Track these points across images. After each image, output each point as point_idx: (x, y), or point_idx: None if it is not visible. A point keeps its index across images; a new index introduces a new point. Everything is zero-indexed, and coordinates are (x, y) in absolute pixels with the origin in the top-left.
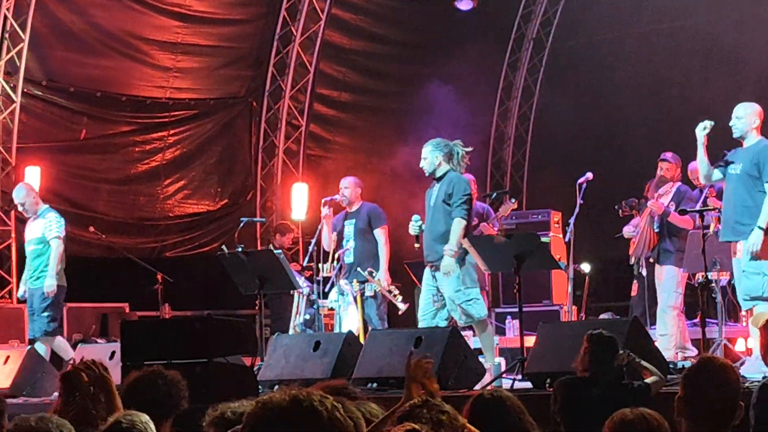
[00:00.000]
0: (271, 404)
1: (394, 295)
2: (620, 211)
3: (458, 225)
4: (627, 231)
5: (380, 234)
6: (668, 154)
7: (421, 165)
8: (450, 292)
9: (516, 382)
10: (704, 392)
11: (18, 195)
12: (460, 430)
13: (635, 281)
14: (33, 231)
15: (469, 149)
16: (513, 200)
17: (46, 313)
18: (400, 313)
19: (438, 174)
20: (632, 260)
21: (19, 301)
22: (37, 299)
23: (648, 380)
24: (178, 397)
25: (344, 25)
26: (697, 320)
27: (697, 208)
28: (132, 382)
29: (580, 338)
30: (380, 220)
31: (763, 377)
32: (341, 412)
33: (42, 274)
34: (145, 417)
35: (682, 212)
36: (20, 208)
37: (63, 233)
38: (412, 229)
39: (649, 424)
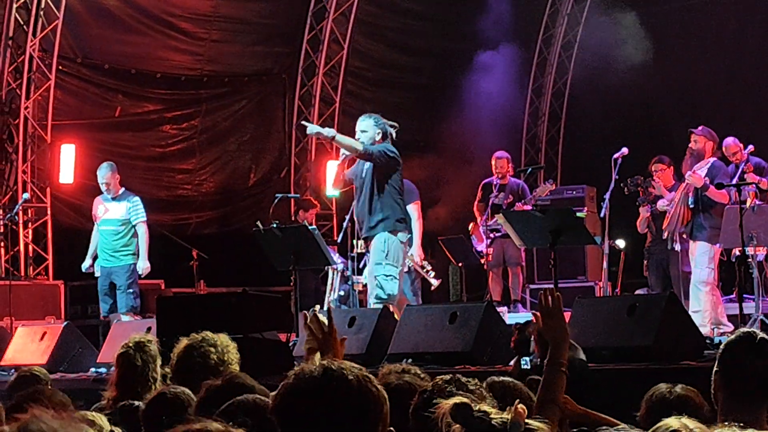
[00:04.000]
0: (303, 375)
1: (427, 271)
2: (626, 189)
3: (358, 145)
4: (661, 204)
5: (413, 209)
6: (699, 128)
7: (357, 136)
8: (372, 265)
9: None
10: (743, 366)
11: (104, 174)
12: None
13: (645, 260)
14: (114, 211)
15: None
16: (550, 181)
17: (131, 290)
18: (432, 288)
19: None
20: (665, 235)
21: (86, 274)
22: (122, 277)
23: None
24: (230, 363)
25: (378, 0)
26: (733, 296)
27: (734, 182)
28: (183, 349)
29: (616, 313)
30: (413, 195)
31: None
32: (373, 383)
33: (123, 255)
34: (188, 391)
35: (720, 186)
36: (103, 188)
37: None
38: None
39: (689, 402)
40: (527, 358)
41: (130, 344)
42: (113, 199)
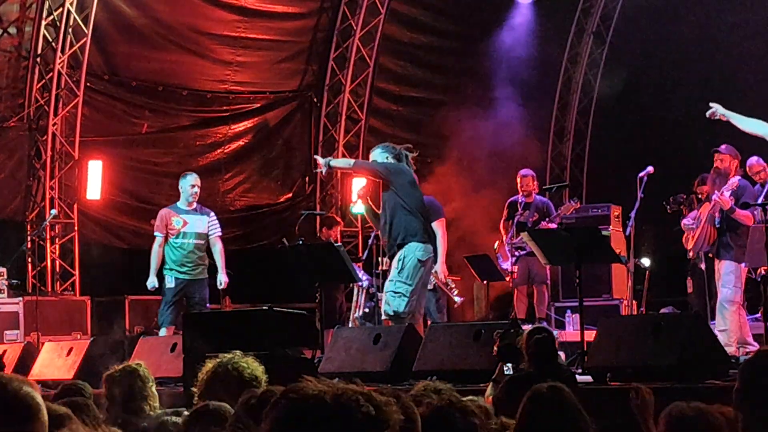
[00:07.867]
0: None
1: (450, 288)
2: (668, 207)
3: (350, 161)
4: (686, 224)
5: (438, 227)
6: (722, 146)
7: None
8: (388, 279)
9: (576, 375)
10: (762, 384)
11: (197, 179)
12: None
13: (689, 278)
14: (194, 224)
15: (415, 153)
16: (575, 200)
17: (206, 304)
18: (455, 305)
19: None
20: (690, 254)
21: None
22: (202, 291)
23: None
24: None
25: (404, 18)
26: (758, 315)
27: (759, 202)
28: (212, 370)
29: (641, 332)
30: (437, 212)
31: None
32: (351, 405)
33: (203, 268)
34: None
35: (745, 206)
36: (192, 195)
37: None
38: None
39: (709, 419)
40: (510, 365)
41: (117, 368)
42: (193, 211)
